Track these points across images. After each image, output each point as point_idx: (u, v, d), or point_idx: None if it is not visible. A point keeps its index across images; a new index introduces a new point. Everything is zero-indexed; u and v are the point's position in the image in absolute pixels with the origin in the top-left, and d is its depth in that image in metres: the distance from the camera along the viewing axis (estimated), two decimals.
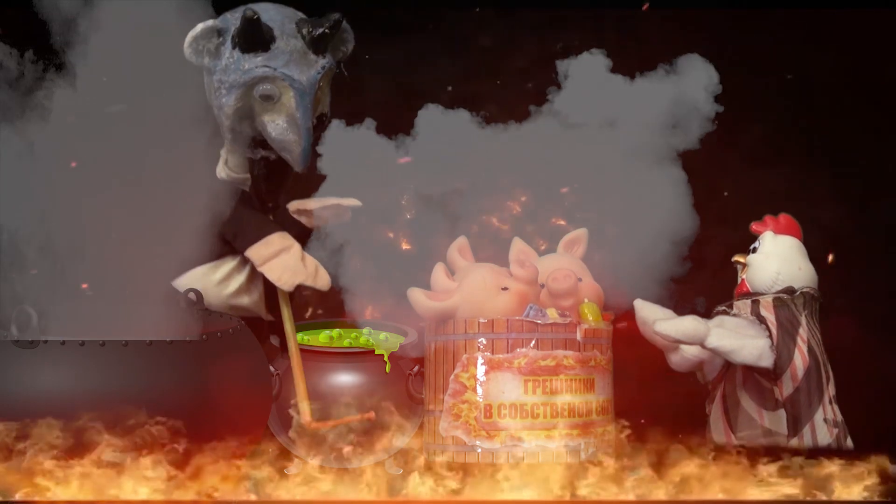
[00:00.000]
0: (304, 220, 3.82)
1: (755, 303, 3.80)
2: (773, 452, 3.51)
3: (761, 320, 3.74)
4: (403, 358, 3.93)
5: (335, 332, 4.42)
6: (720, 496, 3.26)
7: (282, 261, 3.63)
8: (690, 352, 3.79)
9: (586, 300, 3.73)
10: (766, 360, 3.66)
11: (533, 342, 3.56)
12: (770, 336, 3.69)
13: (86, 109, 3.77)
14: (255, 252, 3.61)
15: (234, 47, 3.49)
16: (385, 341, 3.99)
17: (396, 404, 3.81)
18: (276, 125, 3.56)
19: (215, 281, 3.79)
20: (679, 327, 3.58)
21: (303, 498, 3.37)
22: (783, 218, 3.91)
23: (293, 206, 3.81)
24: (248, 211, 3.75)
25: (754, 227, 3.92)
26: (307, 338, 4.37)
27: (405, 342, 3.93)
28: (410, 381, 3.88)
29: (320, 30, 3.57)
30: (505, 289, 3.66)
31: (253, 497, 3.28)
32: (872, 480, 3.29)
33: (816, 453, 3.54)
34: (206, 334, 3.57)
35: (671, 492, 3.30)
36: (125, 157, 3.72)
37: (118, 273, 3.75)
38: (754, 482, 3.34)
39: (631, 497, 3.29)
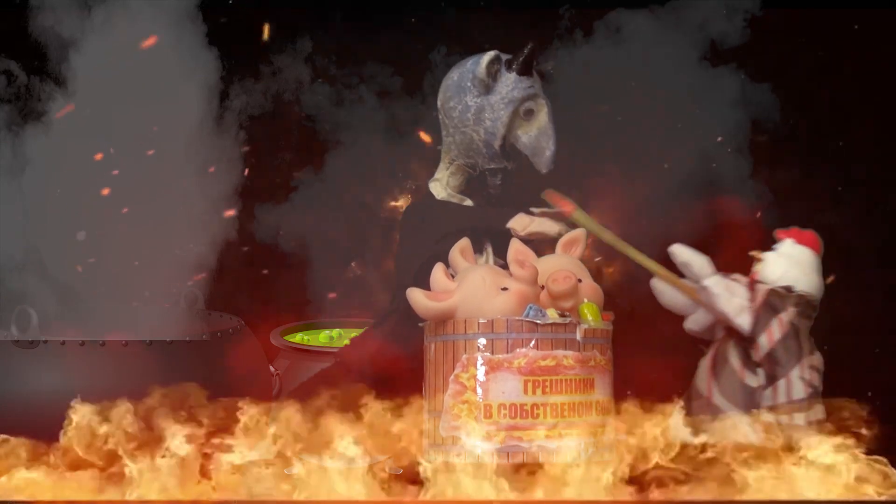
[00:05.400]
0: None
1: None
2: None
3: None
4: None
5: (335, 332, 4.43)
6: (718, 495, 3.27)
7: (539, 221, 4.16)
8: (701, 318, 3.95)
9: (586, 300, 3.73)
10: (744, 320, 3.78)
11: (533, 342, 3.56)
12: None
13: (86, 116, 3.86)
14: (517, 222, 4.13)
15: (508, 71, 4.18)
16: None
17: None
18: (529, 136, 4.22)
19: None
20: (691, 255, 3.84)
21: (303, 498, 3.37)
22: (808, 233, 4.01)
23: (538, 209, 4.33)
24: (491, 208, 4.32)
25: (779, 232, 4.01)
26: (307, 338, 4.38)
27: None
28: None
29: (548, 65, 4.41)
30: (505, 289, 3.66)
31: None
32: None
33: None
34: (207, 334, 3.58)
35: (671, 491, 3.31)
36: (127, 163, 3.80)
37: (120, 274, 3.77)
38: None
39: (631, 497, 3.29)
